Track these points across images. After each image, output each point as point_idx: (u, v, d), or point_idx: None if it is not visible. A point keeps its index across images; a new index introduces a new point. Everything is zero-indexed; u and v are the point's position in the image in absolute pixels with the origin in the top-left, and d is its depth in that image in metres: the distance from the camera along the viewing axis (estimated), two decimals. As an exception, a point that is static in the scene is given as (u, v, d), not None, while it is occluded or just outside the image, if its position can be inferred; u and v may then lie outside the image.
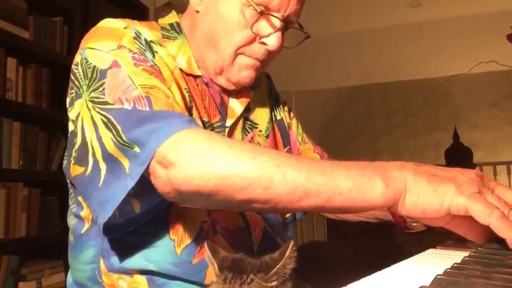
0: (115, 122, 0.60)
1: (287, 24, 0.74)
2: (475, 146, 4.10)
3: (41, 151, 1.95)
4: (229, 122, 0.78)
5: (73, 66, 0.69)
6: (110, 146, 0.60)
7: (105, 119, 0.61)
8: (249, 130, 0.83)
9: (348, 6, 4.18)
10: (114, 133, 0.60)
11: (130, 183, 0.57)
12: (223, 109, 0.79)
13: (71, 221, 0.76)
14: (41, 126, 1.95)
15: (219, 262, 0.60)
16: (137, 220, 0.66)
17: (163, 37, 0.76)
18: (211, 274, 0.65)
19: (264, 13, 0.70)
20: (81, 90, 0.66)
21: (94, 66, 0.65)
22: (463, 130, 4.20)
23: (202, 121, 0.74)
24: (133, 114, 0.59)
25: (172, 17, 0.81)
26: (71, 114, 0.69)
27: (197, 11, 0.76)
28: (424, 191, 0.49)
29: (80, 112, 0.66)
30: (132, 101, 0.60)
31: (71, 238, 0.76)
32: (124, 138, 0.59)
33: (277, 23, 0.71)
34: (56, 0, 2.09)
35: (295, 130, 0.96)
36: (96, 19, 0.73)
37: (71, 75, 0.69)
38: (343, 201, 0.51)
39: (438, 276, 0.35)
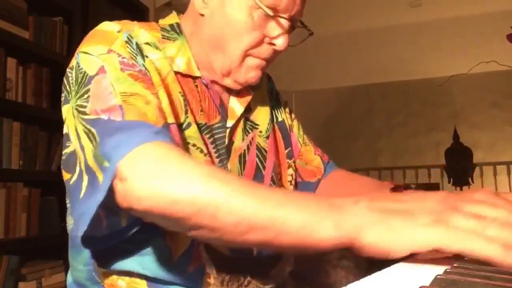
0: (95, 133, 0.60)
1: (292, 23, 0.75)
2: (475, 146, 4.11)
3: (41, 151, 1.95)
4: (229, 123, 0.78)
5: (68, 69, 0.69)
6: (90, 158, 0.60)
7: (86, 130, 0.61)
8: (250, 131, 0.83)
9: (348, 6, 4.18)
10: (94, 144, 0.60)
11: (100, 197, 0.56)
12: (223, 110, 0.79)
13: (69, 221, 0.76)
14: (41, 126, 1.95)
15: (216, 264, 0.60)
16: (122, 232, 0.64)
17: (162, 38, 0.76)
18: (208, 279, 0.65)
19: (275, 16, 0.71)
20: (70, 95, 0.67)
21: (85, 72, 0.66)
22: (463, 130, 4.20)
23: (199, 124, 0.73)
24: (107, 125, 0.59)
25: (172, 18, 0.81)
26: (63, 117, 0.69)
27: (202, 15, 0.76)
28: (382, 231, 0.45)
29: (67, 119, 0.66)
30: (108, 111, 0.60)
31: (70, 238, 0.76)
32: (99, 150, 0.58)
33: (285, 23, 0.72)
34: (56, 0, 2.09)
35: (296, 132, 0.96)
36: (96, 19, 0.74)
37: (64, 78, 0.70)
38: (291, 240, 0.48)
39: (438, 276, 0.35)
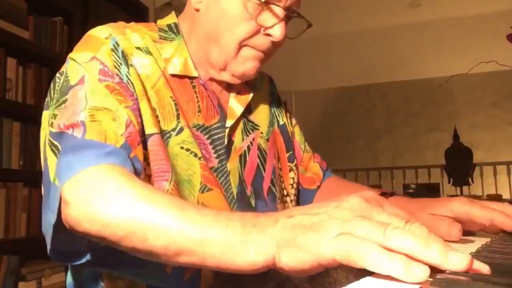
0: (58, 146, 0.61)
1: (288, 13, 0.74)
2: (475, 146, 4.10)
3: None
4: (229, 123, 0.78)
5: (57, 74, 0.70)
6: (52, 174, 0.60)
7: (50, 142, 0.62)
8: (250, 131, 0.82)
9: (348, 6, 4.18)
10: (57, 157, 0.60)
11: (53, 218, 0.57)
12: (221, 110, 0.78)
13: None
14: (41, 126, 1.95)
15: None
16: (99, 249, 0.62)
17: (160, 38, 0.76)
18: (206, 285, 0.65)
19: (268, 3, 0.70)
20: (51, 102, 0.67)
21: (68, 81, 0.66)
22: (463, 130, 4.20)
23: (195, 126, 0.73)
24: (68, 140, 0.59)
25: (170, 18, 0.81)
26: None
27: (197, 10, 0.76)
28: (292, 251, 0.44)
29: (42, 126, 0.67)
30: (72, 126, 0.60)
31: None
32: (56, 166, 0.59)
33: (280, 12, 0.71)
34: (56, 0, 2.09)
35: (299, 138, 0.95)
36: (96, 19, 0.74)
37: (52, 82, 0.70)
38: (217, 263, 0.47)
39: (438, 276, 0.35)
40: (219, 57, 0.74)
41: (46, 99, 0.70)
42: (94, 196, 0.53)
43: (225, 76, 0.76)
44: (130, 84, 0.68)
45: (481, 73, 3.43)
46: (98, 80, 0.65)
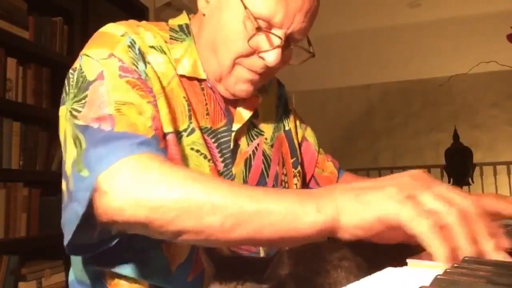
0: (82, 140, 0.60)
1: (290, 41, 0.71)
2: (475, 146, 4.10)
3: (41, 151, 1.95)
4: (235, 126, 0.77)
5: (70, 70, 0.69)
6: (68, 165, 0.60)
7: (74, 135, 0.61)
8: (255, 137, 0.82)
9: (348, 6, 4.18)
10: (79, 151, 0.59)
11: (80, 209, 0.56)
12: (228, 113, 0.77)
13: None
14: (41, 126, 1.95)
15: (217, 263, 0.60)
16: (111, 240, 0.62)
17: (171, 39, 0.75)
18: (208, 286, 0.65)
19: (261, 29, 0.67)
20: (67, 97, 0.66)
21: (85, 76, 0.65)
22: (463, 130, 4.20)
23: (203, 128, 0.72)
24: (96, 134, 0.59)
25: (182, 18, 0.79)
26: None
27: (204, 14, 0.74)
28: (354, 207, 0.46)
29: (60, 120, 0.67)
30: (99, 120, 0.60)
31: None
32: (82, 158, 0.58)
33: (276, 41, 0.69)
34: (56, 0, 2.09)
35: (312, 140, 0.95)
36: (96, 19, 0.74)
37: (66, 79, 0.69)
38: (275, 231, 0.49)
39: (438, 276, 0.35)
40: (215, 68, 0.73)
41: (62, 95, 0.69)
42: (137, 183, 0.53)
43: (220, 88, 0.75)
44: (149, 81, 0.67)
45: (481, 73, 3.43)
46: (118, 76, 0.64)
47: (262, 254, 0.75)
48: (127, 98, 0.63)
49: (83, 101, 0.63)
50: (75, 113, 0.63)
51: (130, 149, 0.56)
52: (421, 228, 0.42)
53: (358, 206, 0.46)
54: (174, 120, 0.69)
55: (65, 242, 0.59)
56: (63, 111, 0.67)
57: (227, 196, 0.50)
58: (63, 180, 0.62)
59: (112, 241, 0.60)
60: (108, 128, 0.59)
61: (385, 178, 0.49)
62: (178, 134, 0.69)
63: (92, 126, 0.60)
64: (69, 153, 0.61)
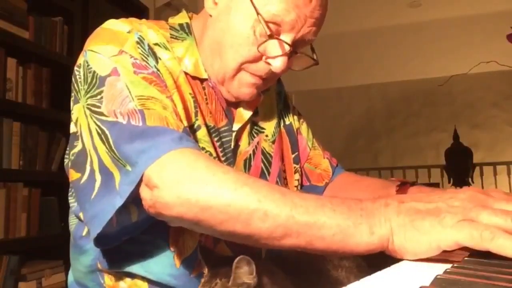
0: (108, 135, 0.60)
1: (298, 45, 0.71)
2: (475, 146, 4.10)
3: (41, 151, 1.95)
4: (236, 126, 0.77)
5: (75, 68, 0.68)
6: (107, 159, 0.60)
7: (99, 130, 0.61)
8: (255, 135, 0.81)
9: (349, 6, 4.18)
10: (107, 146, 0.59)
11: (119, 201, 0.56)
12: (229, 113, 0.77)
13: (72, 221, 0.76)
14: (41, 126, 1.95)
15: (212, 263, 0.60)
16: (133, 229, 0.65)
17: (171, 37, 0.74)
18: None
19: (273, 36, 0.67)
20: (79, 94, 0.66)
21: (94, 71, 0.64)
22: (463, 130, 4.20)
23: (208, 126, 0.72)
24: (126, 129, 0.59)
25: (182, 17, 0.79)
26: (73, 117, 0.69)
27: (210, 15, 0.74)
28: (409, 233, 0.46)
29: (78, 118, 0.66)
30: (127, 115, 0.59)
31: (71, 238, 0.75)
32: (116, 153, 0.58)
33: (285, 47, 0.69)
34: (56, 0, 2.09)
35: (305, 135, 0.93)
36: (96, 19, 0.73)
37: (72, 77, 0.68)
38: (326, 245, 0.49)
39: (438, 276, 0.35)
40: (218, 70, 0.73)
41: (72, 94, 0.68)
42: (188, 179, 0.53)
43: (222, 90, 0.75)
44: (161, 76, 0.67)
45: (481, 73, 3.42)
46: (133, 73, 0.64)
47: (263, 255, 0.75)
48: (148, 93, 0.62)
49: (98, 97, 0.62)
50: (94, 108, 0.62)
51: (174, 143, 0.56)
52: (488, 242, 0.42)
53: (413, 232, 0.46)
54: (186, 116, 0.69)
55: (94, 235, 0.59)
56: (78, 109, 0.66)
57: (279, 205, 0.50)
58: (99, 174, 0.61)
59: (136, 230, 0.62)
60: (139, 123, 0.58)
61: (440, 197, 0.49)
62: (189, 129, 0.69)
63: (121, 122, 0.59)
64: (100, 149, 0.60)
